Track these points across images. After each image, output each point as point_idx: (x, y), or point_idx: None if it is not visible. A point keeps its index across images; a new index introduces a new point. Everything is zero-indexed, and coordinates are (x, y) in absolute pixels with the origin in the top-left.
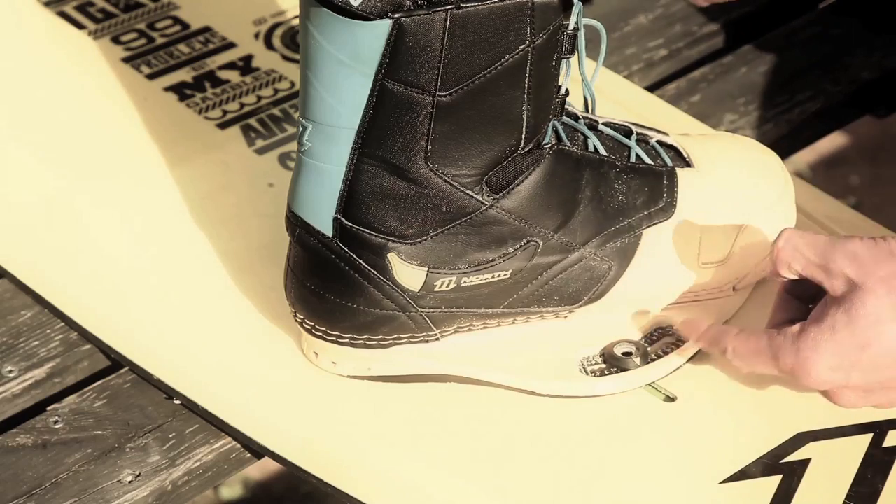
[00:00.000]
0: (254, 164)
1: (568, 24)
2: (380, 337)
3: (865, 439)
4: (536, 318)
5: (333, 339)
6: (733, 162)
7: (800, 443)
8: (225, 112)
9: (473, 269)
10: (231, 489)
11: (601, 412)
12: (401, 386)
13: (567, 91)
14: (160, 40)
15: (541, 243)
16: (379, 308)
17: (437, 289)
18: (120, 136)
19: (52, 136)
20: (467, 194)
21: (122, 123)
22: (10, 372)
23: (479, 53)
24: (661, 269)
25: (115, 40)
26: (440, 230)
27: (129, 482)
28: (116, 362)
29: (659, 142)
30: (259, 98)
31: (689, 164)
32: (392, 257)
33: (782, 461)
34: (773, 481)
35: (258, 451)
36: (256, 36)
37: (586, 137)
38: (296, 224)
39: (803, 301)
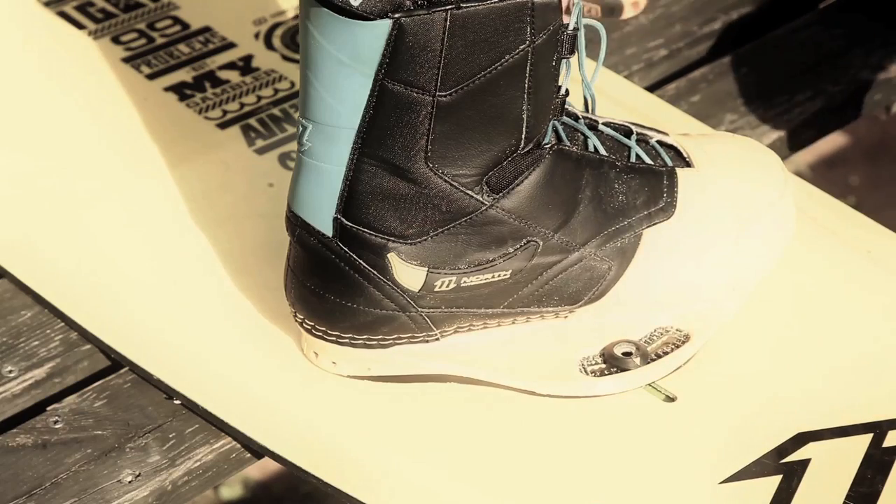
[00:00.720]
0: (254, 164)
1: (568, 25)
2: (380, 337)
3: (865, 439)
4: (536, 318)
5: (333, 339)
6: (733, 162)
7: (800, 443)
8: (225, 112)
9: (473, 269)
10: (231, 489)
11: (601, 412)
12: (401, 386)
13: (567, 91)
14: (160, 40)
15: (541, 243)
16: (379, 308)
17: (437, 289)
18: (120, 136)
19: (51, 137)
20: (467, 194)
21: (122, 123)
22: (10, 372)
23: (479, 53)
24: (661, 269)
25: (115, 40)
26: (440, 230)
27: (129, 482)
28: (116, 362)
29: (659, 142)
30: (259, 98)
31: (689, 164)
32: (392, 257)
33: (782, 461)
34: (773, 481)
35: (258, 451)
36: (256, 36)
37: (586, 137)
38: (296, 224)
39: None
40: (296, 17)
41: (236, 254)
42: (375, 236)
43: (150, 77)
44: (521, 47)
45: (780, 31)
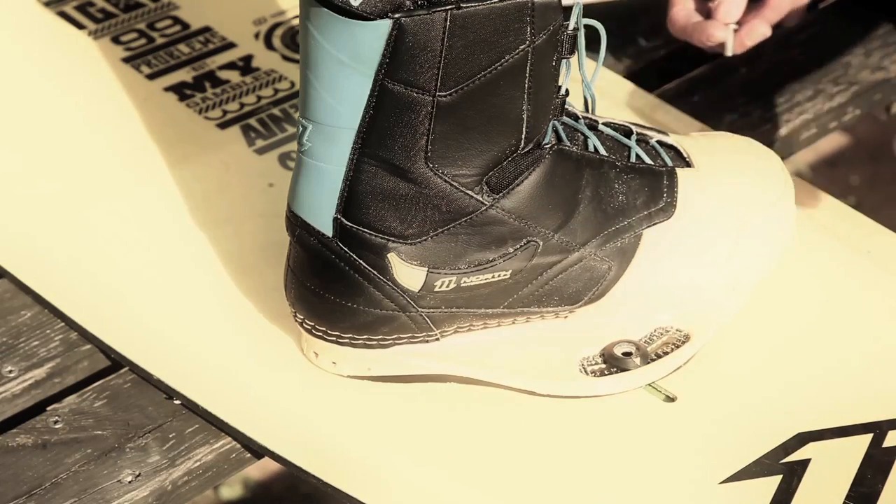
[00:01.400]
0: (254, 164)
1: (568, 25)
2: (380, 337)
3: (865, 439)
4: (536, 318)
5: (333, 339)
6: (733, 162)
7: (800, 443)
8: (225, 112)
9: (473, 269)
10: (231, 489)
11: (601, 412)
12: (401, 386)
13: (567, 91)
14: (160, 40)
15: (541, 243)
16: (379, 308)
17: (437, 289)
18: (120, 136)
19: (52, 137)
20: (467, 194)
21: (122, 123)
22: (10, 372)
23: (479, 53)
24: (661, 269)
25: (115, 40)
26: (440, 230)
27: (129, 482)
28: (116, 362)
29: (659, 142)
30: (259, 98)
31: (689, 164)
32: (392, 257)
33: (782, 461)
34: (773, 481)
35: (258, 451)
36: (256, 36)
37: (586, 137)
38: (296, 224)
39: None
40: (296, 17)
41: (236, 254)
42: (375, 236)
43: (150, 77)
44: (522, 47)
45: (780, 31)
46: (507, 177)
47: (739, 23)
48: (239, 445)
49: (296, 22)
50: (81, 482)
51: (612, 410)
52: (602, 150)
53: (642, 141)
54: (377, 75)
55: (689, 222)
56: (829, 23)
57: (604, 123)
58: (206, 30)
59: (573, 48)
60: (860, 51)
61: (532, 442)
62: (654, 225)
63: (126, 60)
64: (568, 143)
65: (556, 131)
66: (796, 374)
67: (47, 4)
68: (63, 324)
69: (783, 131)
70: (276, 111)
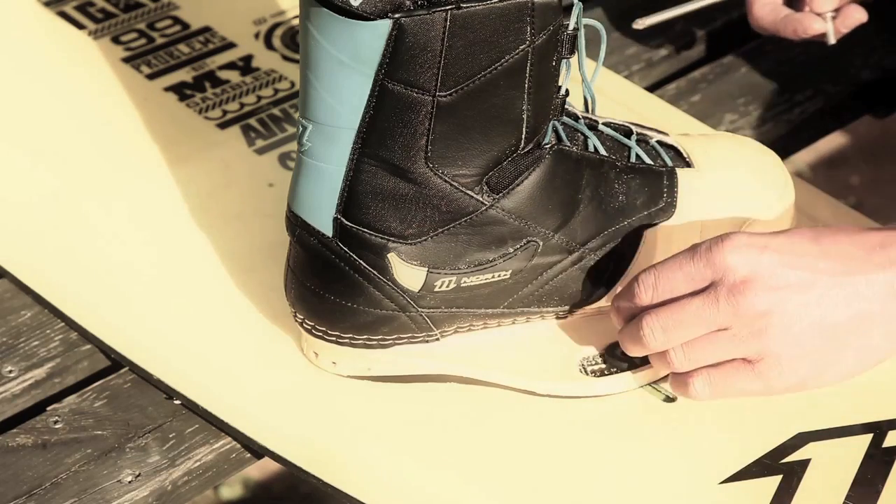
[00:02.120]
0: (254, 164)
1: (568, 25)
2: (380, 337)
3: (865, 439)
4: (536, 318)
5: (333, 339)
6: (733, 162)
7: (800, 443)
8: (225, 112)
9: (473, 269)
10: (231, 489)
11: (601, 412)
12: (401, 386)
13: (567, 91)
14: (160, 40)
15: (541, 243)
16: (379, 308)
17: (437, 289)
18: (120, 136)
19: (52, 136)
20: (467, 194)
21: (122, 123)
22: (10, 372)
23: (479, 53)
24: None
25: (115, 40)
26: (440, 230)
27: (129, 482)
28: (116, 362)
29: (659, 142)
30: (259, 98)
31: (689, 165)
32: (392, 257)
33: (782, 461)
34: (773, 481)
35: (258, 451)
36: (256, 36)
37: (586, 137)
38: (296, 224)
39: None
40: (296, 17)
41: (236, 254)
42: (375, 236)
43: (150, 77)
44: (522, 47)
45: None
46: (507, 177)
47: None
48: (239, 445)
49: (296, 22)
50: (81, 482)
51: (611, 410)
52: (602, 151)
53: (642, 141)
54: (377, 75)
55: (688, 222)
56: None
57: (604, 123)
58: (206, 30)
59: (573, 48)
60: (860, 51)
61: (532, 442)
62: (654, 225)
63: (126, 60)
64: (568, 144)
65: (556, 131)
66: None
67: (47, 4)
68: (63, 324)
69: (783, 131)
70: (276, 111)
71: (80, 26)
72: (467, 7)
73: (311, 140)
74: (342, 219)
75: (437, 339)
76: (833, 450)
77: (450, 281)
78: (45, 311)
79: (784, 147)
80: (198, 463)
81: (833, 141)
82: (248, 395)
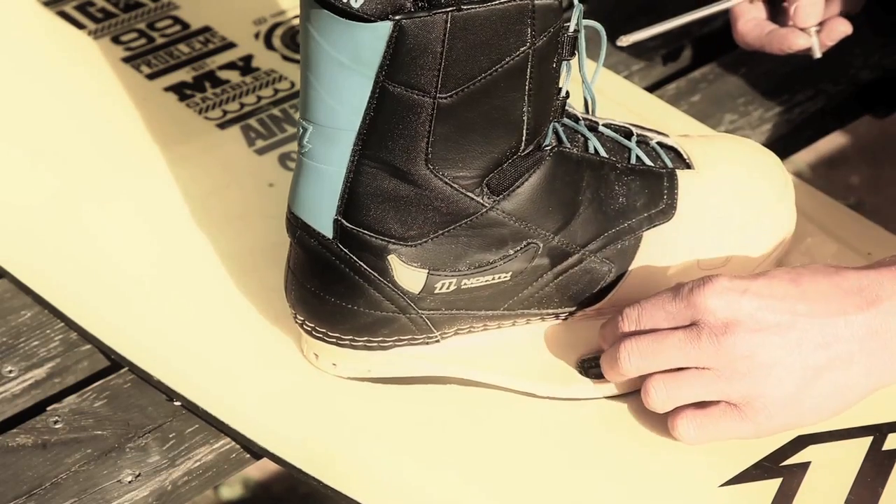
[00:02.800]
0: (254, 164)
1: (568, 26)
2: (380, 339)
3: (865, 442)
4: (537, 319)
5: (334, 340)
6: (733, 163)
7: (799, 446)
8: (225, 112)
9: (474, 270)
10: (231, 489)
11: (601, 414)
12: (401, 388)
13: (567, 93)
14: (160, 40)
15: (541, 245)
16: (379, 310)
17: (437, 291)
18: (120, 136)
19: (52, 137)
20: (467, 196)
21: (122, 124)
22: (10, 372)
23: (479, 55)
24: (661, 271)
25: (115, 40)
26: (440, 232)
27: (129, 482)
28: (116, 362)
29: (659, 143)
30: (259, 98)
31: (689, 166)
32: (392, 259)
33: (782, 464)
34: (773, 484)
35: (258, 452)
36: (256, 36)
37: (586, 139)
38: (296, 225)
39: None
40: (296, 17)
41: (236, 254)
42: (376, 238)
43: (150, 77)
44: (522, 49)
45: None
46: (507, 178)
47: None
48: (239, 446)
49: (296, 22)
50: (81, 482)
51: (612, 412)
52: (602, 152)
53: (642, 142)
54: (378, 77)
55: (689, 224)
56: None
57: (604, 125)
58: (206, 30)
59: (573, 50)
60: (860, 51)
61: (532, 444)
62: (654, 226)
63: (126, 60)
64: (568, 145)
65: (556, 133)
66: None
67: (47, 4)
68: (63, 324)
69: (783, 131)
70: (276, 111)
71: (80, 26)
72: (468, 9)
73: (311, 141)
74: (342, 220)
75: (438, 341)
76: (833, 453)
77: (450, 283)
78: (45, 311)
79: (784, 147)
80: (198, 463)
81: (833, 141)
82: (248, 397)
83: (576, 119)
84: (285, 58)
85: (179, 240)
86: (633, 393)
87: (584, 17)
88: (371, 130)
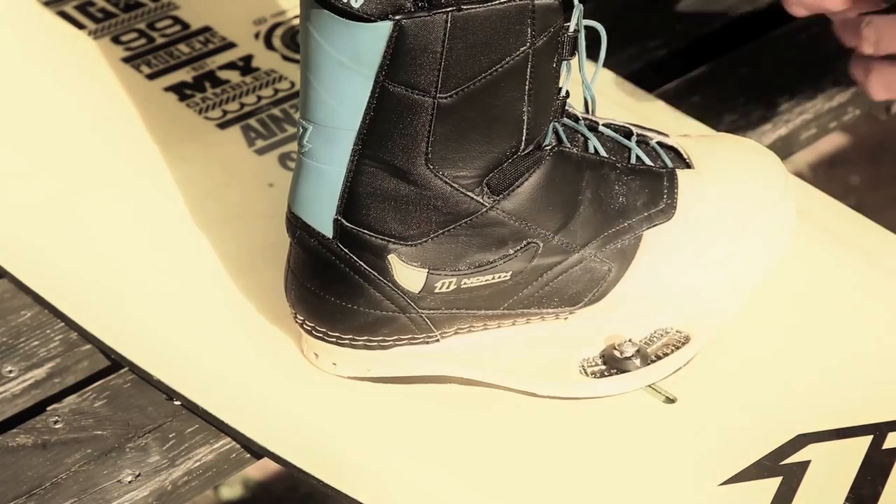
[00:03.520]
0: (254, 164)
1: (568, 26)
2: (380, 338)
3: (865, 441)
4: (537, 319)
5: (333, 340)
6: (733, 163)
7: (799, 445)
8: (225, 112)
9: (474, 270)
10: (231, 489)
11: (601, 413)
12: (401, 387)
13: (567, 93)
14: (160, 40)
15: (541, 245)
16: (379, 309)
17: (437, 290)
18: (120, 136)
19: (52, 137)
20: (468, 196)
21: (122, 123)
22: (10, 372)
23: (479, 55)
24: (661, 271)
25: (115, 40)
26: (440, 232)
27: (129, 482)
28: (116, 362)
29: (659, 143)
30: (259, 98)
31: (689, 166)
32: (392, 259)
33: (782, 463)
34: (773, 483)
35: (258, 452)
36: (256, 36)
37: (586, 139)
38: (296, 225)
39: None
40: (296, 17)
41: (236, 254)
42: (376, 238)
43: (150, 77)
44: (522, 49)
45: (780, 31)
46: (507, 178)
47: None
48: (239, 445)
49: (296, 22)
50: (81, 482)
51: (612, 412)
52: (602, 152)
53: (642, 142)
54: (378, 77)
55: (689, 223)
56: (829, 23)
57: (604, 125)
58: (206, 30)
59: (574, 50)
60: None
61: (532, 443)
62: (654, 226)
63: (126, 60)
64: (568, 145)
65: (556, 133)
66: (796, 376)
67: (47, 4)
68: (63, 324)
69: (783, 131)
70: (276, 111)
71: (80, 26)
72: (468, 9)
73: (311, 141)
74: (342, 220)
75: (438, 341)
76: (833, 451)
77: (450, 282)
78: (45, 311)
79: (784, 147)
80: (198, 463)
81: (833, 141)
82: (248, 396)
83: (576, 119)
84: (285, 58)
85: (179, 239)
86: (633, 392)
87: (584, 17)
88: (371, 130)
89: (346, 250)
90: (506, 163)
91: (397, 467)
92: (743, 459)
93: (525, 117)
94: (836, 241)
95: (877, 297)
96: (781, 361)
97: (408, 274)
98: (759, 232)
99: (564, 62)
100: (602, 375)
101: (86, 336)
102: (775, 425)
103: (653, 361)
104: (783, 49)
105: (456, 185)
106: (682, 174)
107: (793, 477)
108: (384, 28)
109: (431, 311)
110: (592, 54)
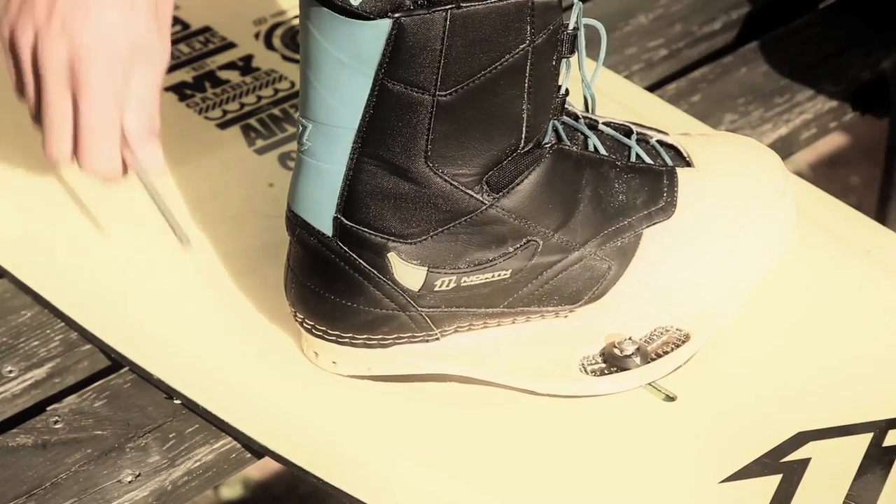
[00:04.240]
0: (254, 164)
1: (568, 24)
2: (380, 336)
3: (865, 438)
4: (536, 317)
5: (333, 338)
6: (733, 162)
7: (800, 442)
8: (225, 112)
9: (473, 268)
10: (231, 489)
11: (601, 412)
12: (401, 386)
13: (567, 91)
14: None
15: (541, 243)
16: (379, 307)
17: (437, 288)
18: None
19: None
20: (467, 194)
21: None
22: (10, 372)
23: (479, 53)
24: (661, 269)
25: None
26: (440, 230)
27: (129, 482)
28: (116, 362)
29: (659, 141)
30: (259, 98)
31: (689, 164)
32: (392, 257)
33: (782, 460)
34: (773, 481)
35: (258, 451)
36: (256, 36)
37: (586, 137)
38: (296, 224)
39: None
40: (296, 17)
41: (236, 253)
42: (375, 236)
43: None
44: (522, 47)
45: (780, 31)
46: (507, 176)
47: None
48: (239, 445)
49: (296, 22)
50: (81, 482)
51: (612, 410)
52: (602, 150)
53: (642, 140)
54: (377, 75)
55: (689, 222)
56: (829, 23)
57: (604, 123)
58: (206, 30)
59: (573, 48)
60: (860, 51)
61: (532, 441)
62: (654, 224)
63: None
64: (568, 143)
65: (556, 131)
66: (796, 374)
67: None
68: (63, 324)
69: (783, 131)
70: (276, 111)
71: None
72: (467, 6)
73: (311, 140)
74: (342, 218)
75: (437, 339)
76: (833, 449)
77: (450, 280)
78: (45, 311)
79: (784, 147)
80: (198, 463)
81: (833, 141)
82: (248, 395)
83: (575, 117)
84: (285, 58)
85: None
86: (633, 390)
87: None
88: (371, 128)
89: (345, 248)
90: (505, 161)
91: (397, 465)
92: (743, 457)
93: (524, 115)
94: (836, 241)
95: (876, 295)
96: (781, 359)
97: (407, 272)
98: (759, 230)
99: (564, 60)
100: (602, 374)
101: (86, 336)
102: (775, 423)
103: (653, 360)
104: (783, 49)
105: (455, 183)
106: (681, 172)
107: (793, 474)
108: (383, 26)
109: (431, 310)
110: (592, 53)
